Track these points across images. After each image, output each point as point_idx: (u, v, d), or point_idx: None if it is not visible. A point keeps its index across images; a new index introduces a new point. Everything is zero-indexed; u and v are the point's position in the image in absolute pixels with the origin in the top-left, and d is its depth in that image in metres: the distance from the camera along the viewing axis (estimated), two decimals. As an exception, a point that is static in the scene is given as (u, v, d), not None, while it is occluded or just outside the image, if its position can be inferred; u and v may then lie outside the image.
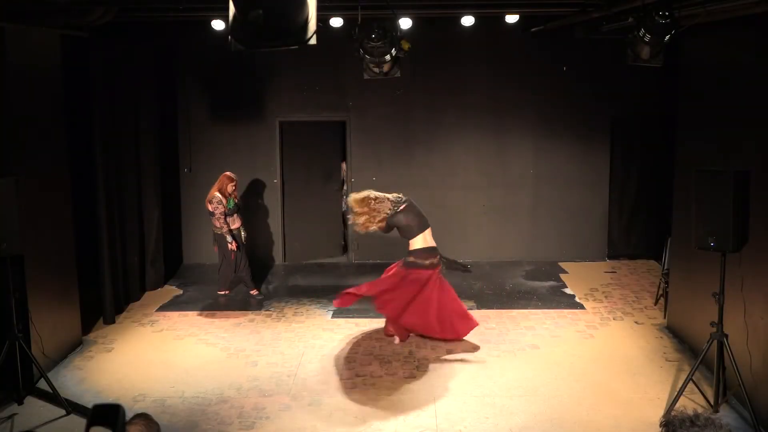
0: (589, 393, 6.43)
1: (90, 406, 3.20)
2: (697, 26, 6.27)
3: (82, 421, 5.54)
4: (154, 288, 9.42)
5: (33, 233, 6.41)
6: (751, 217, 5.68)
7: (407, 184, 9.39)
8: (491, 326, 8.02)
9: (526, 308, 8.67)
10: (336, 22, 7.99)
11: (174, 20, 8.37)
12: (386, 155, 10.56)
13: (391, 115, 10.48)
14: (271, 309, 8.72)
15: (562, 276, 9.92)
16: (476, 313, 7.90)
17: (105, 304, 8.22)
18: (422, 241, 7.33)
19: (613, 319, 8.27)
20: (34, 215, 6.48)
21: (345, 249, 11.03)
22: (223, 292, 9.16)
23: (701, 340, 6.25)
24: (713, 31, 6.62)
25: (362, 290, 7.36)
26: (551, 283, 9.66)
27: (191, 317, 8.49)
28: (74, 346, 7.48)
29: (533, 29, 9.21)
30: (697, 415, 2.52)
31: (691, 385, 6.05)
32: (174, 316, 8.55)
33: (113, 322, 8.24)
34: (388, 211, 7.37)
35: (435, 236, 7.50)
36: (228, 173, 8.78)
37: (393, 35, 6.08)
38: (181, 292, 9.46)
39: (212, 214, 8.66)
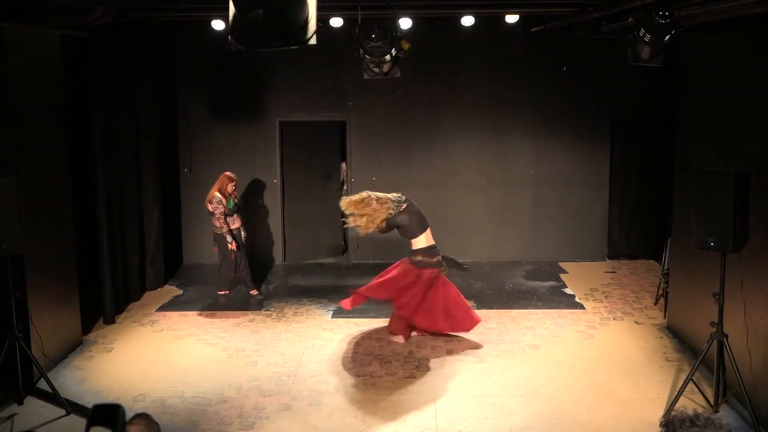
0: (589, 393, 6.43)
1: (90, 406, 3.20)
2: (697, 26, 6.26)
3: (82, 421, 5.55)
4: (154, 288, 9.43)
5: (33, 233, 6.41)
6: (751, 217, 5.68)
7: (407, 184, 9.40)
8: (491, 326, 8.02)
9: (526, 308, 8.67)
10: (336, 22, 7.99)
11: (174, 20, 8.37)
12: (386, 155, 10.57)
13: (391, 115, 10.48)
14: (271, 309, 8.72)
15: (562, 276, 9.92)
16: (476, 313, 7.90)
17: (105, 304, 8.22)
18: (425, 240, 7.35)
19: (613, 319, 8.27)
20: (34, 215, 6.49)
21: (345, 249, 11.03)
22: (223, 292, 9.16)
23: (701, 340, 6.25)
24: (713, 31, 6.62)
25: (374, 293, 7.40)
26: (551, 283, 9.66)
27: (191, 317, 8.49)
28: (74, 346, 7.48)
29: (533, 29, 9.20)
30: (697, 415, 2.52)
31: (691, 385, 6.05)
32: (174, 316, 8.55)
33: (113, 322, 8.24)
34: (391, 212, 7.37)
35: (435, 236, 7.52)
36: (228, 173, 8.78)
37: (393, 35, 6.08)
38: (181, 292, 9.46)
39: (212, 214, 8.67)
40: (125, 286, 8.77)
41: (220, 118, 10.40)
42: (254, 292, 9.11)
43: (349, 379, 6.79)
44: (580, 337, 7.76)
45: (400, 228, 7.44)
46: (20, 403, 6.30)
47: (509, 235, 10.68)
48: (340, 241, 11.10)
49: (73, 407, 6.18)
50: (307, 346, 7.58)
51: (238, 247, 8.77)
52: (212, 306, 8.86)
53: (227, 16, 3.77)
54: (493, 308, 8.64)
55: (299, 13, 3.57)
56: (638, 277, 9.86)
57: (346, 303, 7.59)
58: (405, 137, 10.52)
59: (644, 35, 5.69)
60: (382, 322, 8.01)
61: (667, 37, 5.66)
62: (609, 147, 10.53)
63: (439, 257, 7.41)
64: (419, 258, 7.31)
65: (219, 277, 9.14)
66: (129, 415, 3.00)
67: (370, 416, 6.08)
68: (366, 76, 6.50)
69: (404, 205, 7.42)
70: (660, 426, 2.58)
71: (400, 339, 7.62)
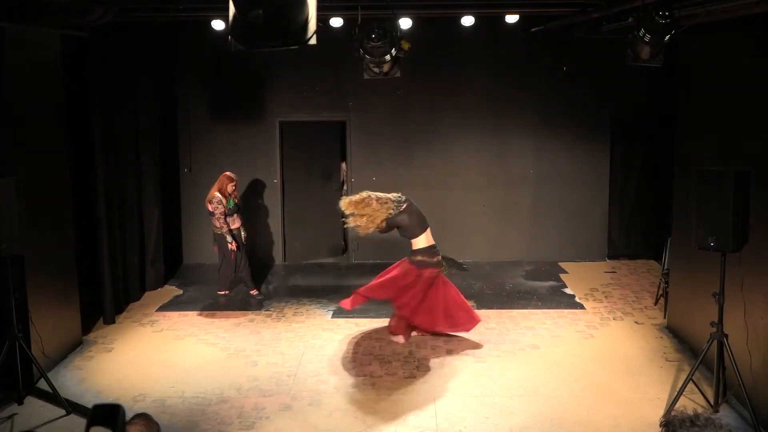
0: (589, 393, 6.43)
1: (90, 406, 3.20)
2: (697, 26, 6.26)
3: (82, 421, 5.55)
4: (154, 288, 9.43)
5: (33, 233, 6.41)
6: (751, 217, 5.68)
7: (407, 184, 9.40)
8: (491, 326, 8.02)
9: (526, 308, 8.67)
10: (336, 22, 7.99)
11: (174, 20, 8.37)
12: (386, 155, 10.56)
13: (391, 115, 10.48)
14: (271, 309, 8.72)
15: (562, 276, 9.92)
16: (476, 313, 7.89)
17: (105, 304, 8.22)
18: (425, 239, 7.35)
19: (613, 319, 8.27)
20: (34, 215, 6.48)
21: (345, 249, 11.03)
22: (223, 292, 9.16)
23: (701, 340, 6.25)
24: (713, 31, 6.62)
25: (374, 293, 7.39)
26: (551, 283, 9.66)
27: (191, 317, 8.49)
28: (74, 346, 7.48)
29: (533, 29, 9.20)
30: (697, 415, 2.52)
31: (691, 385, 6.05)
32: (174, 316, 8.55)
33: (113, 322, 8.24)
34: (391, 212, 7.37)
35: (435, 236, 7.52)
36: (228, 173, 8.78)
37: (393, 35, 6.08)
38: (181, 292, 9.46)
39: (212, 214, 8.67)
40: (125, 286, 8.76)
41: (220, 118, 10.40)
42: (254, 292, 9.11)
43: (349, 379, 6.79)
44: (580, 337, 7.76)
45: (400, 228, 7.44)
46: (20, 403, 6.30)
47: (509, 235, 10.68)
48: (340, 241, 11.10)
49: (73, 407, 6.18)
50: (307, 346, 7.58)
51: (238, 247, 8.77)
52: (212, 306, 8.86)
53: (227, 16, 3.77)
54: (493, 308, 8.64)
55: (299, 13, 3.57)
56: (638, 277, 9.86)
57: (346, 303, 7.60)
58: (405, 137, 10.52)
59: (644, 35, 5.69)
60: (382, 322, 8.01)
61: (667, 37, 5.66)
62: (609, 147, 10.53)
63: (439, 257, 7.41)
64: (419, 258, 7.31)
65: (219, 277, 9.14)
66: (129, 415, 3.00)
67: (370, 416, 6.08)
68: (366, 76, 6.50)
69: (404, 205, 7.42)
70: (660, 426, 2.58)
71: (400, 339, 7.62)
